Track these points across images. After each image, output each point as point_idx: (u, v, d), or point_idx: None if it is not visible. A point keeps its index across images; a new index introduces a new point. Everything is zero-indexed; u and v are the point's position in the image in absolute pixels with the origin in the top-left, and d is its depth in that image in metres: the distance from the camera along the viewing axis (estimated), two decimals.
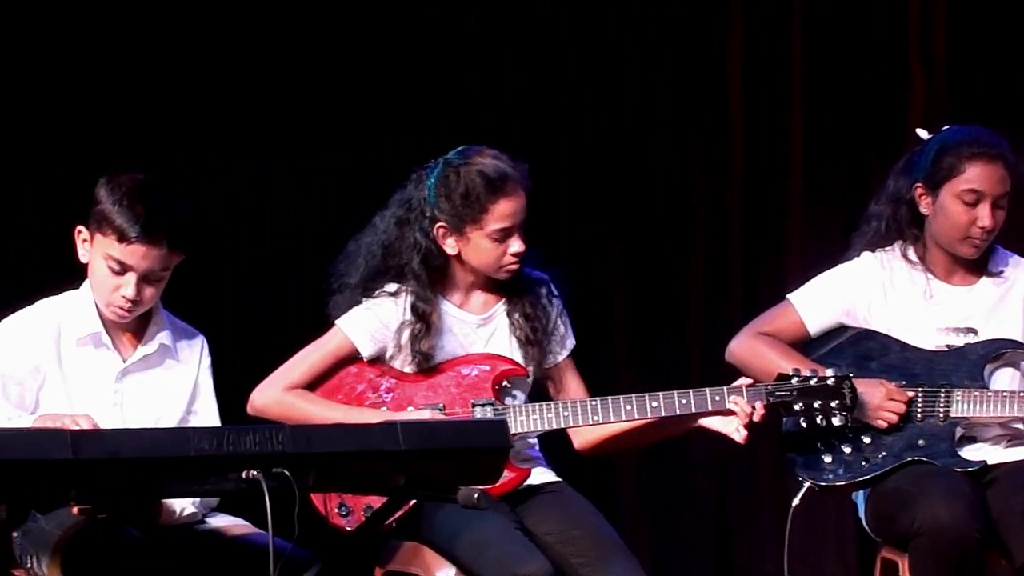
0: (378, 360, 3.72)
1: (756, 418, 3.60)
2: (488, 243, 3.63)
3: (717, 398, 3.62)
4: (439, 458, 2.98)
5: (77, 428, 3.09)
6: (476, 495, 2.94)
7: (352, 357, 3.72)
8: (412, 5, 6.15)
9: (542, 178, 4.58)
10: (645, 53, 6.09)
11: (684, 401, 3.64)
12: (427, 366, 3.69)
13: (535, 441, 3.79)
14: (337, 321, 3.72)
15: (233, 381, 3.94)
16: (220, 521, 3.47)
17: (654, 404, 3.65)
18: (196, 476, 2.85)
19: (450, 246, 3.65)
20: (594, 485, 6.18)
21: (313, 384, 3.73)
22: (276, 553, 2.89)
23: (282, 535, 2.95)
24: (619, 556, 3.55)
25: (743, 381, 3.68)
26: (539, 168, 4.51)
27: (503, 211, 3.61)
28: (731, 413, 3.62)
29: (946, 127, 3.95)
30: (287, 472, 2.79)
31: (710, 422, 3.68)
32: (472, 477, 2.99)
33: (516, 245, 3.63)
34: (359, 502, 3.59)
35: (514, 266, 3.67)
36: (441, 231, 3.64)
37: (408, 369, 3.70)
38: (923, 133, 3.96)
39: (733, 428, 3.64)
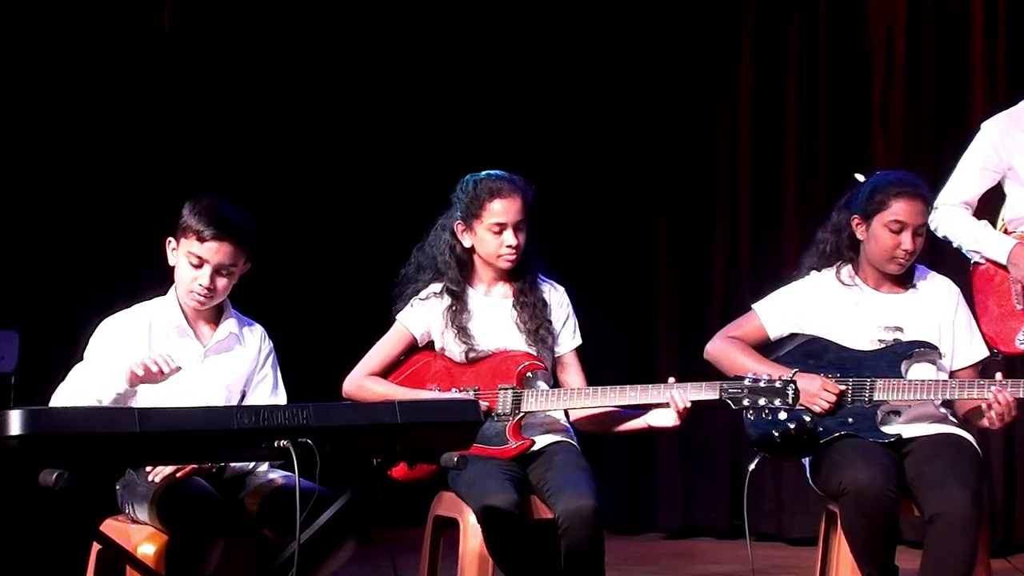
0: (439, 352, 4.38)
1: (681, 407, 4.09)
2: (488, 235, 4.32)
3: (655, 392, 4.14)
4: (427, 429, 3.46)
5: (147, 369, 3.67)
6: (456, 458, 3.48)
7: (413, 344, 4.41)
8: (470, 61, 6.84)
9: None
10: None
11: (633, 394, 4.19)
12: (470, 347, 4.31)
13: (561, 416, 4.38)
14: (397, 316, 4.43)
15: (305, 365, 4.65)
16: (267, 472, 4.01)
17: (632, 394, 4.19)
18: (239, 445, 3.27)
19: (466, 239, 4.36)
20: (642, 444, 6.79)
21: (388, 368, 4.40)
22: (307, 494, 3.36)
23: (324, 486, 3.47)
24: (571, 485, 4.07)
25: (671, 381, 4.14)
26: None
27: (497, 209, 4.29)
28: (666, 405, 4.15)
29: (878, 172, 4.46)
30: (310, 441, 3.25)
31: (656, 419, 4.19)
32: (452, 444, 3.50)
33: (510, 238, 4.30)
34: None
35: (511, 256, 4.32)
36: (459, 227, 4.36)
37: (458, 359, 4.35)
38: (860, 177, 4.46)
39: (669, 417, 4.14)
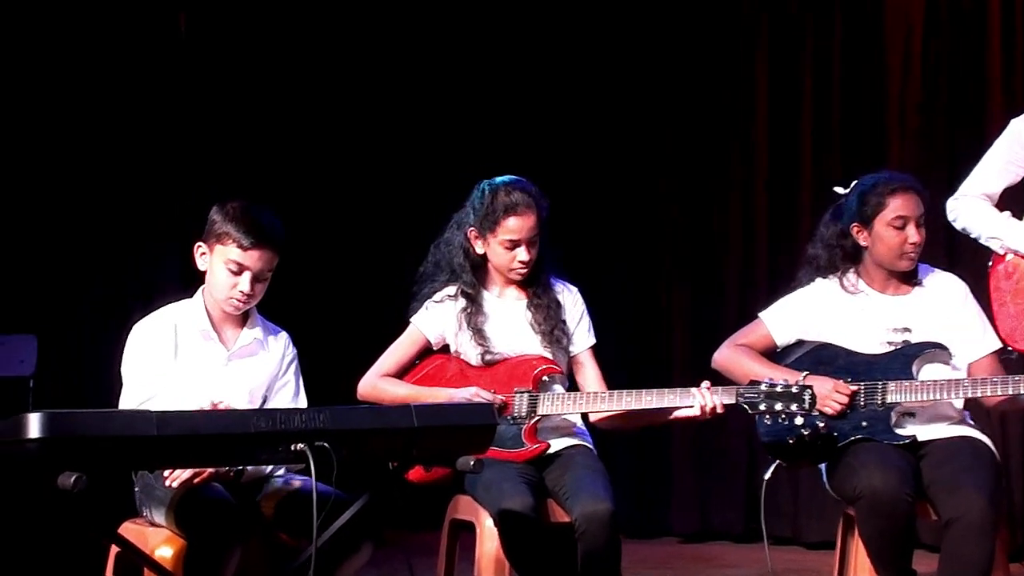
0: (454, 354, 4.40)
1: (708, 411, 4.12)
2: (501, 249, 4.35)
3: (672, 397, 4.16)
4: (443, 433, 3.46)
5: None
6: (472, 461, 3.48)
7: (427, 347, 4.43)
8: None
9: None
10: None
11: (650, 398, 4.19)
12: (486, 349, 4.34)
13: (577, 419, 4.41)
14: (411, 319, 4.46)
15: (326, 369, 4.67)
16: (284, 476, 4.02)
17: (648, 398, 4.19)
18: (256, 448, 3.27)
19: (479, 247, 4.38)
20: (654, 447, 6.77)
21: (402, 371, 4.42)
22: (323, 498, 3.38)
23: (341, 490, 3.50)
24: (588, 488, 4.08)
25: (705, 383, 4.14)
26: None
27: (511, 227, 4.31)
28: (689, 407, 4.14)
29: (856, 181, 4.46)
30: (327, 444, 3.25)
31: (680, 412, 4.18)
32: (468, 447, 3.50)
33: (522, 254, 4.33)
34: None
35: (522, 270, 4.35)
36: (473, 234, 4.38)
37: (474, 362, 4.37)
38: (840, 189, 4.49)
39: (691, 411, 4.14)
